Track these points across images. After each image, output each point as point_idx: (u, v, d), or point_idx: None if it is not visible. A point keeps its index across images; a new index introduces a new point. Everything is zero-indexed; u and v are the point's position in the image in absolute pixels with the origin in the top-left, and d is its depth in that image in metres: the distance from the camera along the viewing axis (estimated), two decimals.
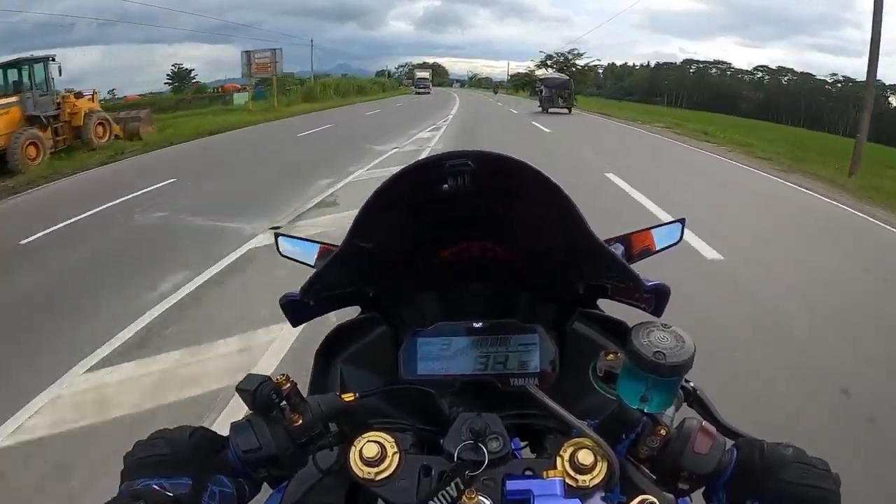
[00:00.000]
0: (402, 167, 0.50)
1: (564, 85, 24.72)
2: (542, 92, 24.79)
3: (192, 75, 48.30)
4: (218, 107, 26.14)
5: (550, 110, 23.13)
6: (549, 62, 38.52)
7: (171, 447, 0.49)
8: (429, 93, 34.74)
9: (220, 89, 33.27)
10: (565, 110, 23.21)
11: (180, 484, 0.48)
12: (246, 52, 25.29)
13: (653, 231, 0.76)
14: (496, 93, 53.59)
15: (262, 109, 22.50)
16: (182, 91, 38.87)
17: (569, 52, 36.83)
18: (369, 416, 0.60)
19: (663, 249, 0.74)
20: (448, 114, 21.11)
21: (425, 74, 38.43)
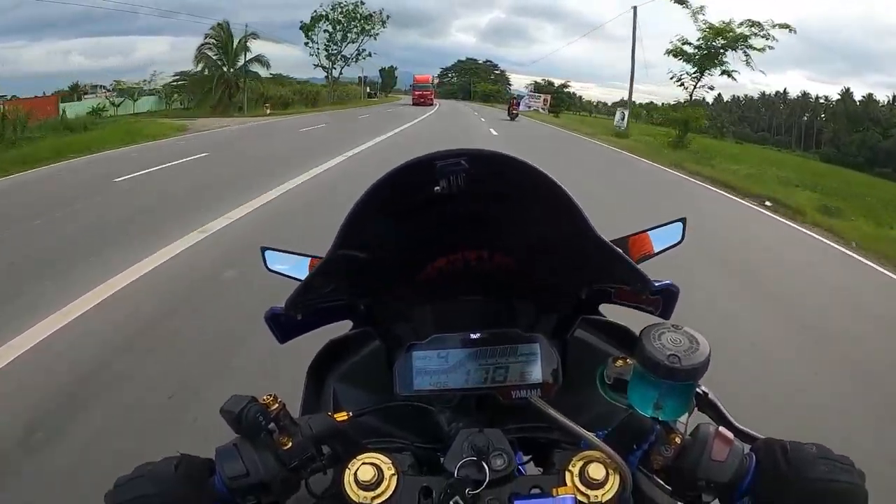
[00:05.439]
0: (391, 169, 0.47)
1: None
2: None
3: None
4: None
5: None
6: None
7: (155, 485, 0.45)
8: None
9: None
10: None
11: None
12: None
13: (650, 233, 0.74)
14: (513, 118, 25.97)
15: None
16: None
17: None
18: (364, 436, 0.56)
19: (664, 251, 0.72)
20: None
21: None
